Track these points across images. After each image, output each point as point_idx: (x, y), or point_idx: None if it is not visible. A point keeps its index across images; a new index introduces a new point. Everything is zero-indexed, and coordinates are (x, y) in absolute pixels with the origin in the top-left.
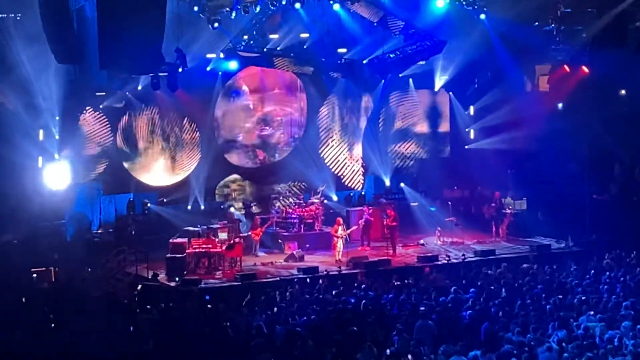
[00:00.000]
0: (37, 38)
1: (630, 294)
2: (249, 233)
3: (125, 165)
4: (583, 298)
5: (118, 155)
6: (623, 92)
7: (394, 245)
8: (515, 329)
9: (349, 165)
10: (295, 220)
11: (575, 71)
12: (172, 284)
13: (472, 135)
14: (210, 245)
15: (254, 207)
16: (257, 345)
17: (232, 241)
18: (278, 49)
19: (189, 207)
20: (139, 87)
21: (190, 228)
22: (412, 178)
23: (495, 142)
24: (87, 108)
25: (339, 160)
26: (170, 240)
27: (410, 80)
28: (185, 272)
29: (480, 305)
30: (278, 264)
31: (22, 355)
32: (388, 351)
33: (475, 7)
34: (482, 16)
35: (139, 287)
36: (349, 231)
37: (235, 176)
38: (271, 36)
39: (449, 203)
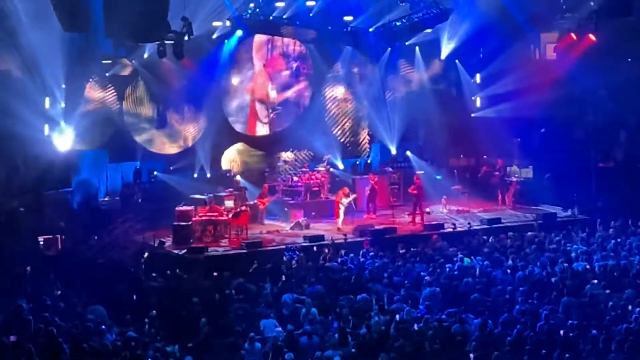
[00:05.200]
0: (43, 6)
1: (637, 261)
2: (255, 201)
3: (132, 132)
4: (588, 266)
5: (124, 123)
6: (629, 59)
7: (414, 214)
8: (521, 297)
9: (355, 133)
10: (301, 189)
11: (581, 39)
12: (178, 252)
13: (478, 104)
14: (216, 213)
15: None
16: (262, 313)
17: (238, 209)
18: (284, 17)
19: (195, 175)
20: (145, 55)
21: (197, 196)
22: (418, 146)
23: (501, 110)
24: (93, 76)
25: (345, 128)
26: (177, 208)
27: (417, 48)
28: (191, 240)
29: (486, 274)
30: (284, 232)
31: (28, 323)
32: (398, 317)
33: None
34: None
35: (145, 254)
36: (349, 199)
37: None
38: (277, 4)
39: (455, 171)
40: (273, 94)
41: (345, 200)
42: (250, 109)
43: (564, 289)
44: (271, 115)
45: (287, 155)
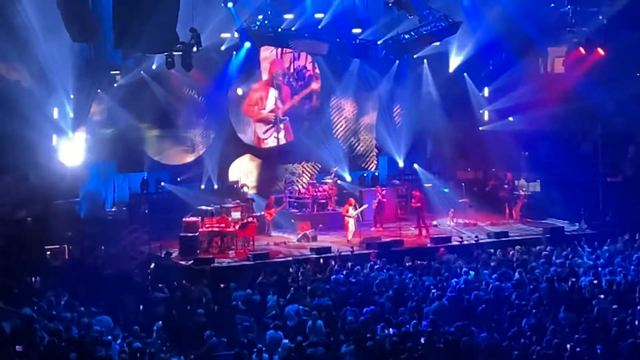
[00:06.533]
0: (53, 16)
1: None
2: (262, 213)
3: (139, 143)
4: (595, 281)
5: (132, 133)
6: (638, 74)
7: (419, 227)
8: (527, 311)
9: (362, 146)
10: (308, 201)
11: (590, 53)
12: (185, 262)
13: (486, 117)
14: (223, 225)
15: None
16: (268, 325)
17: (245, 220)
18: (292, 29)
19: (203, 186)
20: (154, 66)
21: (204, 207)
22: (425, 159)
23: (509, 123)
24: (102, 86)
25: (352, 141)
26: (184, 219)
27: (425, 61)
28: (198, 251)
29: (492, 287)
30: (291, 244)
31: (35, 332)
32: (404, 330)
33: None
34: None
35: (152, 265)
36: (358, 210)
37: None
38: (286, 16)
39: (463, 184)
40: (280, 105)
41: (352, 212)
42: (258, 118)
43: (571, 304)
44: (279, 127)
45: (294, 167)
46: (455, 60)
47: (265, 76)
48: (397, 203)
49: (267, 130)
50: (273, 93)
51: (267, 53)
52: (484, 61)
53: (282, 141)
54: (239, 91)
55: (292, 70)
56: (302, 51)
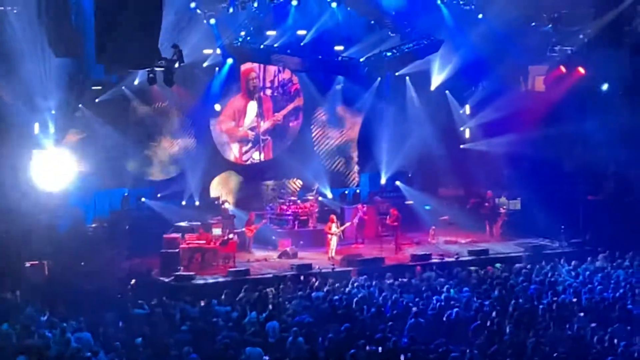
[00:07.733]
0: (36, 31)
1: (624, 294)
2: (243, 229)
3: (120, 159)
4: (575, 299)
5: (113, 149)
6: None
7: (397, 245)
8: (507, 329)
9: (344, 163)
10: (289, 217)
11: (571, 72)
12: (166, 279)
13: (467, 135)
14: (204, 241)
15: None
16: (249, 341)
17: (226, 237)
18: (275, 45)
19: (184, 203)
20: (136, 82)
21: (185, 223)
22: (407, 176)
23: (490, 141)
24: (84, 102)
25: (334, 158)
26: (164, 236)
27: (407, 78)
28: (179, 268)
29: (473, 305)
30: (272, 261)
31: (15, 348)
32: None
33: (473, 6)
34: (480, 16)
35: (133, 281)
36: (342, 228)
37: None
38: (268, 33)
39: (444, 202)
40: (260, 122)
41: (335, 229)
42: (240, 135)
43: (551, 322)
44: (259, 146)
45: (276, 184)
46: (437, 78)
47: (245, 97)
48: (379, 220)
49: (245, 151)
50: (253, 107)
51: (250, 72)
52: (466, 79)
53: (257, 161)
54: (217, 107)
55: (276, 83)
56: (283, 67)
